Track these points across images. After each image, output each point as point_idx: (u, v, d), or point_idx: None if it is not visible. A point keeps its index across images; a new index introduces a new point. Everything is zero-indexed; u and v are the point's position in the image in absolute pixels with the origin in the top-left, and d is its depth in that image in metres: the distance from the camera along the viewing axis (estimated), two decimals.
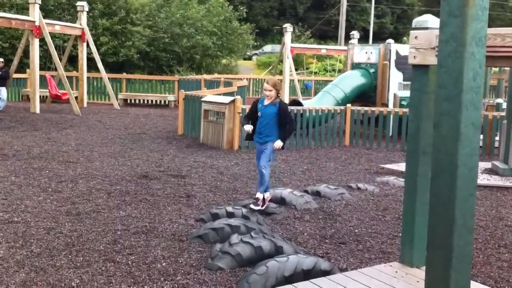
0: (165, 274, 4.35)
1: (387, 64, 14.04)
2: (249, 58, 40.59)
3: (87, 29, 19.04)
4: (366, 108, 12.29)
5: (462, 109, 3.03)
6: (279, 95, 6.07)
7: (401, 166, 8.90)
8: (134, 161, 9.18)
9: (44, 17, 17.15)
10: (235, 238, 4.70)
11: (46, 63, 19.36)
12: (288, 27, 19.93)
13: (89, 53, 19.13)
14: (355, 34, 20.50)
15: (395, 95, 13.50)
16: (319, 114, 11.94)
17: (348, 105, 12.52)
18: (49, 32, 16.66)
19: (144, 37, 27.92)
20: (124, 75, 22.21)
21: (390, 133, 12.08)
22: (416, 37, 3.86)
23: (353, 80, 14.43)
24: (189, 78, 22.02)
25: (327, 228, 5.75)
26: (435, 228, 3.22)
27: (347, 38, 23.95)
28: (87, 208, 6.19)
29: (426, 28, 3.91)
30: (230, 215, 5.74)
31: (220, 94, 12.98)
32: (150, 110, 18.82)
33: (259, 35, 43.21)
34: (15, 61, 17.24)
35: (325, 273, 4.16)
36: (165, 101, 20.63)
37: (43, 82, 18.08)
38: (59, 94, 17.28)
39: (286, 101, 16.46)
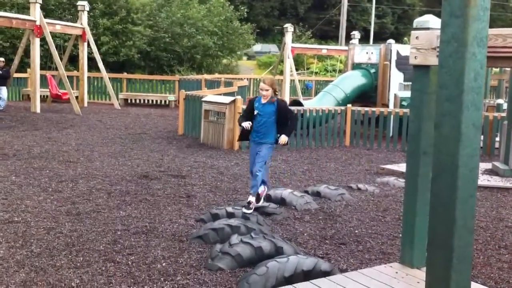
0: (165, 274, 4.34)
1: (387, 65, 14.03)
2: (249, 58, 40.58)
3: (87, 29, 19.04)
4: (366, 109, 12.28)
5: (463, 109, 3.03)
6: (276, 93, 5.97)
7: (402, 167, 8.89)
8: (134, 161, 9.18)
9: (45, 17, 17.16)
10: (235, 238, 4.69)
11: (46, 62, 19.37)
12: (289, 27, 19.93)
13: (90, 52, 19.13)
14: (356, 34, 20.49)
15: (395, 95, 13.49)
16: (319, 114, 11.93)
17: (349, 105, 12.52)
18: (50, 32, 16.67)
19: (145, 37, 27.93)
20: (125, 75, 22.21)
21: (391, 134, 12.07)
22: (417, 38, 3.85)
23: (353, 80, 14.42)
24: (189, 78, 22.02)
25: (327, 229, 5.75)
26: (435, 229, 3.21)
27: (348, 38, 23.92)
28: (87, 208, 6.18)
29: (427, 29, 3.91)
30: (230, 215, 5.74)
31: (220, 94, 12.98)
32: (150, 110, 18.82)
33: (260, 35, 43.22)
34: (16, 61, 17.25)
35: (325, 273, 4.15)
36: (165, 101, 20.63)
37: (44, 81, 18.08)
38: (59, 93, 17.29)
39: (287, 101, 16.44)
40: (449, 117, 3.09)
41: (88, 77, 19.91)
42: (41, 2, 16.53)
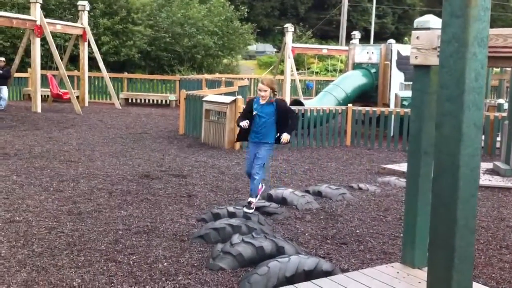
0: (166, 274, 4.35)
1: (388, 64, 14.04)
2: (244, 58, 40.50)
3: (88, 29, 19.04)
4: (367, 108, 12.29)
5: (464, 109, 3.03)
6: (275, 94, 5.92)
7: (403, 167, 8.89)
8: (135, 161, 9.18)
9: (45, 16, 17.17)
10: (236, 238, 4.70)
11: (47, 62, 19.38)
12: (289, 27, 19.93)
13: (90, 52, 19.14)
14: (356, 34, 20.48)
15: (396, 95, 13.50)
16: (320, 114, 11.93)
17: (349, 105, 12.52)
18: (51, 32, 16.67)
19: (145, 37, 27.92)
20: (125, 75, 22.22)
21: (392, 133, 12.08)
22: (417, 37, 3.85)
23: (354, 80, 14.43)
24: (190, 77, 22.02)
25: (329, 229, 5.75)
26: (437, 229, 3.21)
27: (348, 38, 23.92)
28: (89, 208, 6.19)
29: (428, 29, 3.91)
30: (232, 215, 5.74)
31: (221, 94, 12.98)
32: (151, 109, 18.83)
33: (260, 35, 43.20)
34: (17, 60, 17.27)
35: (327, 273, 4.15)
36: (166, 101, 20.64)
37: (45, 81, 18.09)
38: (60, 93, 17.30)
39: (287, 101, 16.44)
40: (450, 117, 3.09)
41: (89, 77, 19.92)
42: (41, 2, 16.54)
